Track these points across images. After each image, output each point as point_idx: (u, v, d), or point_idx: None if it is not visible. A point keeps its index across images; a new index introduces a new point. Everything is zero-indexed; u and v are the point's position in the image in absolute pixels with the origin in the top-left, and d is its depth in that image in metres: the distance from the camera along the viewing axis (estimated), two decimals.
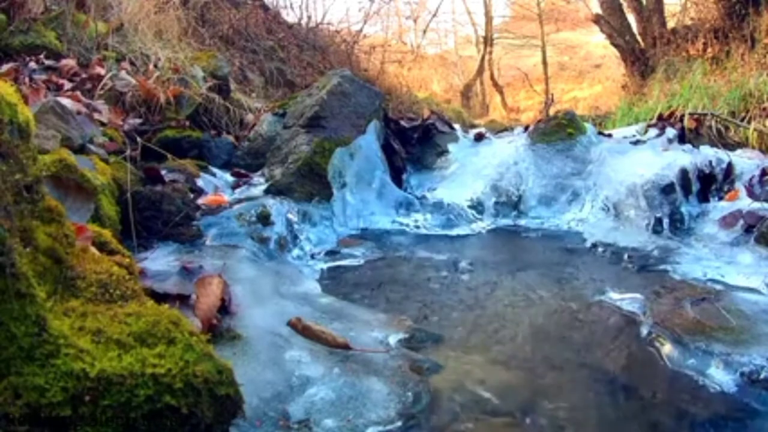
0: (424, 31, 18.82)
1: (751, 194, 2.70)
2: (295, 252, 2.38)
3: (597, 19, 9.15)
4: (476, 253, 2.60)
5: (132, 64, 3.56)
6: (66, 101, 2.28)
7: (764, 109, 3.64)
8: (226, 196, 2.62)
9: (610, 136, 3.52)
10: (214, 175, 2.91)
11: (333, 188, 2.80)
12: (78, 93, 2.79)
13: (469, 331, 1.74)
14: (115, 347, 0.91)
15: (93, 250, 1.20)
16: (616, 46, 8.91)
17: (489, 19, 17.92)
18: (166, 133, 3.07)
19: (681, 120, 3.57)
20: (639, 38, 8.56)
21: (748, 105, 3.78)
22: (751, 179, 2.79)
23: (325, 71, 5.76)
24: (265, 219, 2.36)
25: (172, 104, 3.18)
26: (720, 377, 1.41)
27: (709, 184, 2.92)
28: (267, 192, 2.69)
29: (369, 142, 3.05)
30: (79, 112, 2.34)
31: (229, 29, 6.40)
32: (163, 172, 2.49)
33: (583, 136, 3.27)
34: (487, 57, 17.75)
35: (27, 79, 2.72)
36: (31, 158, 1.03)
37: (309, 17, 8.87)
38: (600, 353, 1.59)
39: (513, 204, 3.13)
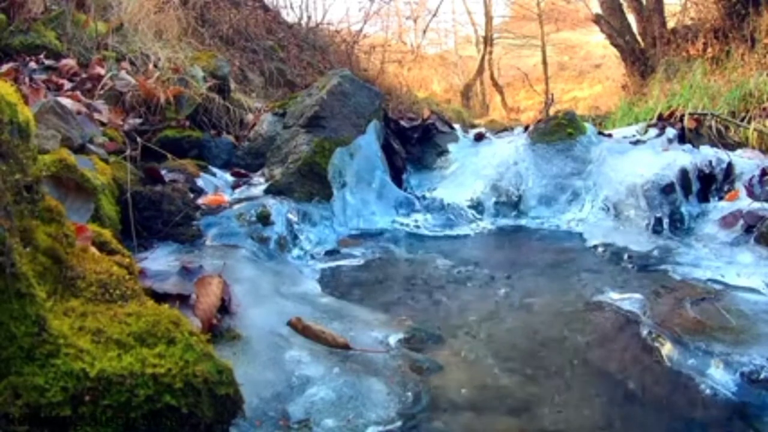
0: (424, 31, 18.83)
1: (751, 194, 2.70)
2: (295, 252, 2.38)
3: (597, 19, 9.15)
4: (476, 253, 2.60)
5: (132, 64, 3.56)
6: (66, 101, 2.28)
7: (764, 109, 3.64)
8: (226, 196, 2.62)
9: (610, 136, 3.51)
10: (214, 175, 2.91)
11: (333, 188, 2.80)
12: (78, 93, 2.79)
13: (469, 330, 1.74)
14: (115, 347, 0.91)
15: (93, 250, 1.20)
16: (616, 46, 8.91)
17: (489, 19, 17.93)
18: (166, 133, 3.06)
19: (681, 120, 3.56)
20: (639, 38, 8.56)
21: (748, 105, 3.78)
22: (751, 179, 2.79)
23: (325, 71, 5.76)
24: (265, 219, 2.36)
25: (172, 104, 3.18)
26: (720, 377, 1.41)
27: (709, 184, 2.91)
28: (267, 192, 2.69)
29: (369, 142, 3.05)
30: (79, 112, 2.34)
31: (229, 29, 6.41)
32: (163, 172, 2.49)
33: (583, 136, 3.27)
34: (487, 57, 17.75)
35: (27, 79, 2.72)
36: (31, 158, 1.03)
37: (309, 17, 8.89)
38: (600, 353, 1.59)
39: (513, 204, 3.13)
